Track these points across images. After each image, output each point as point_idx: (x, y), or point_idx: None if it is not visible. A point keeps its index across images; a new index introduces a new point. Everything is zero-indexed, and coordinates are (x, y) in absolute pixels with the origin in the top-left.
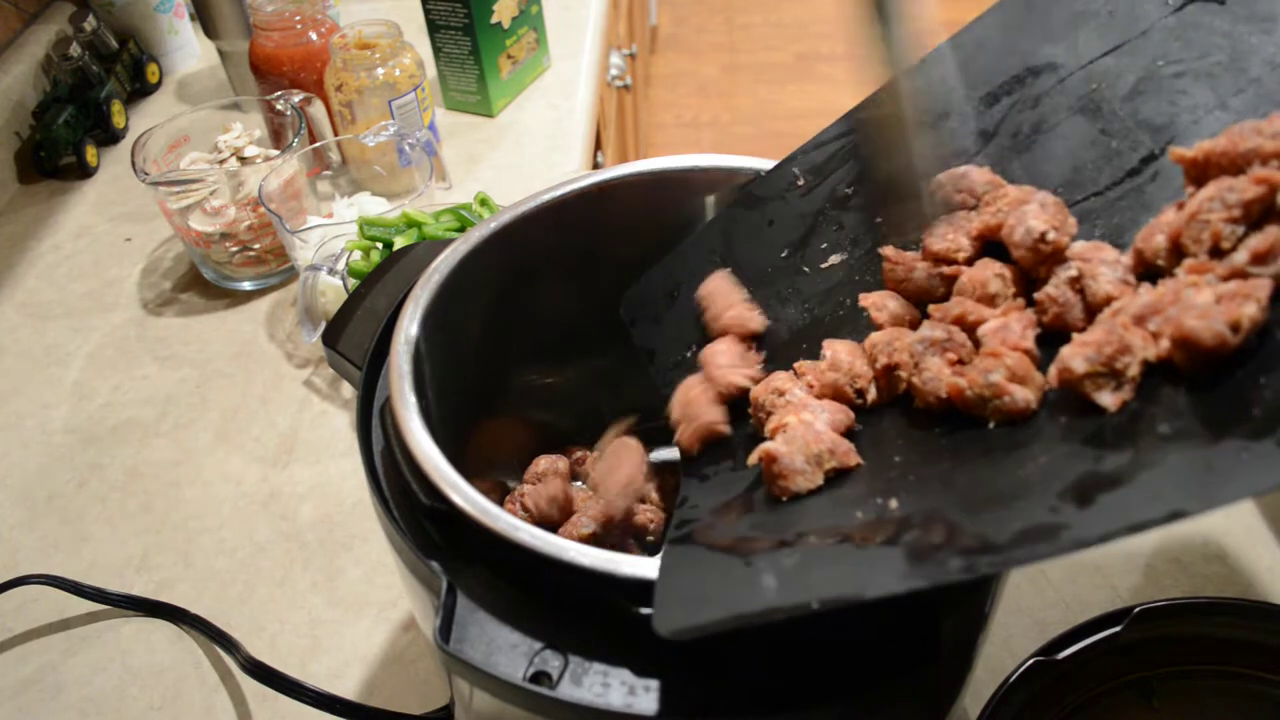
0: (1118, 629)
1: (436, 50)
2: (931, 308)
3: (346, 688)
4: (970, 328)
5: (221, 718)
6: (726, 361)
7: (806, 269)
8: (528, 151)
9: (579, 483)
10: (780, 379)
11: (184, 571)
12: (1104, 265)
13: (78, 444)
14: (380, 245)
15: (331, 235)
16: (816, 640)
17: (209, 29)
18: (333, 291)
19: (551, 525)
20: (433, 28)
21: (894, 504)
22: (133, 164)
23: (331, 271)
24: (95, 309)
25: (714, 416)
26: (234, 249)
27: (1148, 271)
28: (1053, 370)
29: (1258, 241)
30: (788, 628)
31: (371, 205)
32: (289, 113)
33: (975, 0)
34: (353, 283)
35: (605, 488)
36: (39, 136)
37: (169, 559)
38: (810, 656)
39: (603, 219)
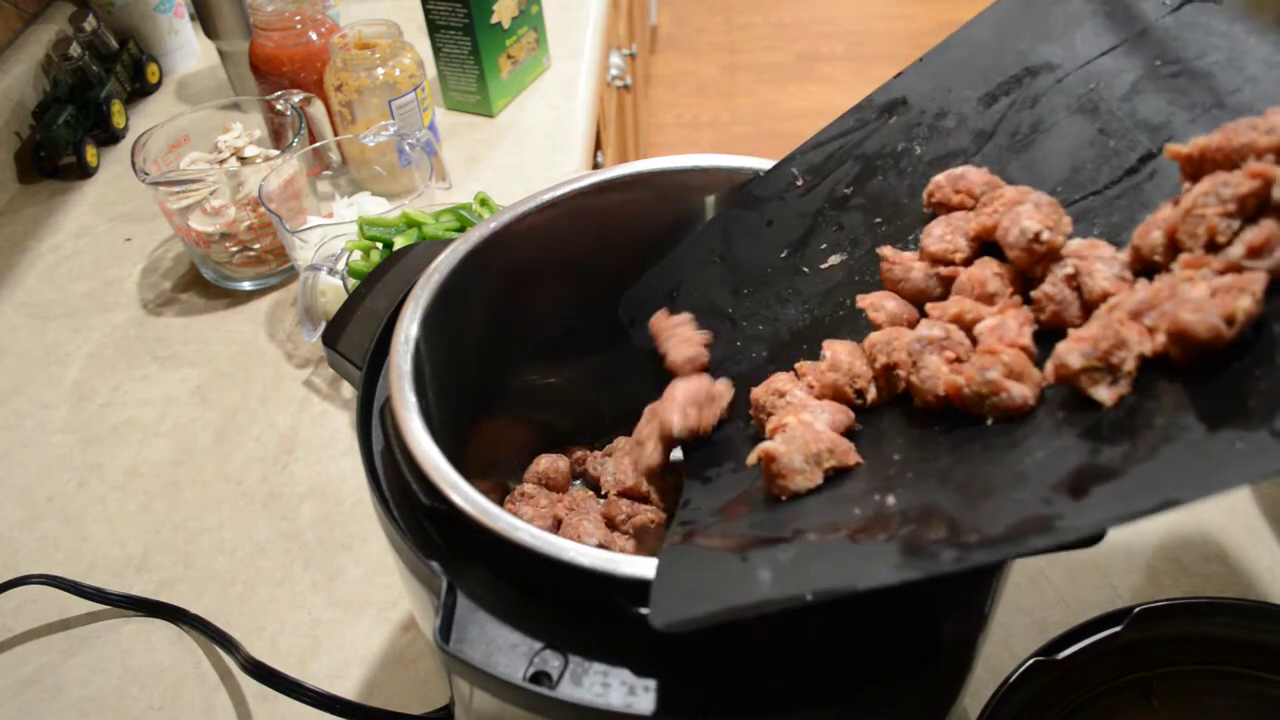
0: (1118, 629)
1: (436, 50)
2: (929, 306)
3: (346, 688)
4: (968, 326)
5: (221, 718)
6: (678, 396)
7: (806, 269)
8: (528, 151)
9: (578, 482)
10: (781, 380)
11: (184, 571)
12: (1100, 262)
13: (77, 444)
14: (380, 245)
15: (331, 235)
16: (816, 641)
17: (209, 29)
18: (333, 291)
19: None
20: (433, 28)
21: (891, 500)
22: (133, 164)
23: (331, 271)
24: (95, 309)
25: (653, 461)
26: (234, 249)
27: (1145, 268)
28: (1049, 366)
29: (1253, 235)
30: (788, 628)
31: (371, 205)
32: (289, 113)
33: (975, 0)
34: (353, 283)
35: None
36: (39, 136)
37: (169, 559)
38: (810, 657)
39: (602, 219)
